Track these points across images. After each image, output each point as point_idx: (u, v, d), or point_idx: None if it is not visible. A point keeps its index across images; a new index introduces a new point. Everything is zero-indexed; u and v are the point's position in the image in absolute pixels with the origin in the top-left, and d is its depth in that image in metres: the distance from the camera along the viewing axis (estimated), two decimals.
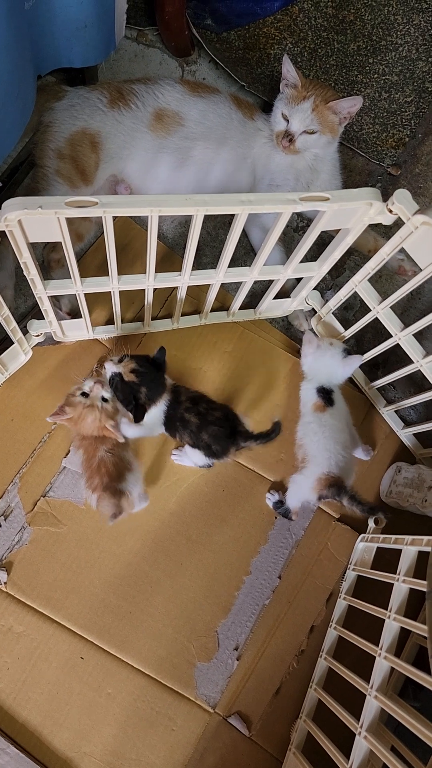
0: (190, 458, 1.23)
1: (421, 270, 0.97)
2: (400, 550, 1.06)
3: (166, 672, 1.17)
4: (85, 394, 1.08)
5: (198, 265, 1.42)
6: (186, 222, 1.00)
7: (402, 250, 0.98)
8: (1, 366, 1.20)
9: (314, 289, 1.30)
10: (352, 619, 1.18)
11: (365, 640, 1.04)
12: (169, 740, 1.14)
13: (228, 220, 0.93)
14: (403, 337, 1.11)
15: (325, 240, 1.18)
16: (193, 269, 1.08)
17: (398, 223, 0.95)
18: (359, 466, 1.30)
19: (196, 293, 1.32)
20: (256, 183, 1.42)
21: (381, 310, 1.13)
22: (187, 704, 1.16)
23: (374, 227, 1.08)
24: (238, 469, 1.29)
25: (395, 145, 1.55)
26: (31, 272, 0.95)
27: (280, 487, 1.28)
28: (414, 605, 1.03)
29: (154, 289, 1.14)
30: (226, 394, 1.33)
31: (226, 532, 1.26)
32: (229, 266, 1.10)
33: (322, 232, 1.01)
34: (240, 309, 1.33)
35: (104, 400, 1.08)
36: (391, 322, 1.13)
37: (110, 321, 1.28)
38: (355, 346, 1.42)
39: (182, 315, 1.30)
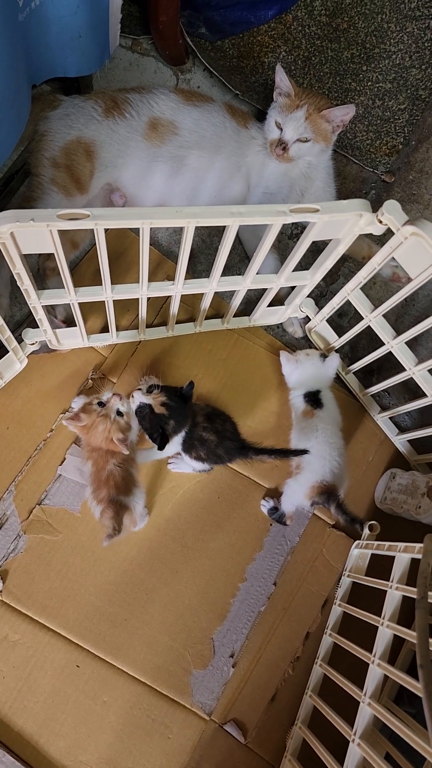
0: (188, 464, 1.24)
1: None
2: (394, 557, 1.06)
3: (161, 679, 1.17)
4: (101, 404, 1.09)
5: (193, 272, 1.43)
6: (180, 229, 1.00)
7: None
8: None
9: (308, 296, 1.30)
10: (348, 625, 1.19)
11: (362, 646, 1.04)
12: (165, 748, 1.14)
13: (222, 227, 0.94)
14: (395, 345, 1.12)
15: (319, 247, 1.18)
16: (187, 276, 1.09)
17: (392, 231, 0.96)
18: (354, 472, 1.31)
19: (191, 300, 1.32)
20: (251, 191, 1.43)
21: (373, 318, 1.14)
22: (182, 712, 1.16)
23: (368, 234, 1.08)
24: (234, 475, 1.30)
25: (389, 153, 1.56)
26: (25, 283, 0.95)
27: (275, 494, 1.29)
28: (408, 612, 1.03)
29: (149, 298, 1.15)
30: (222, 401, 1.33)
31: (222, 539, 1.26)
32: (223, 274, 1.11)
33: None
34: (235, 316, 1.34)
35: (119, 413, 1.09)
36: (383, 330, 1.13)
37: (105, 329, 1.28)
38: (350, 352, 1.43)
39: (177, 323, 1.31)
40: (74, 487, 1.23)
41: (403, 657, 1.15)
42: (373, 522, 1.24)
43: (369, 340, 1.35)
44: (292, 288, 1.30)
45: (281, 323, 1.43)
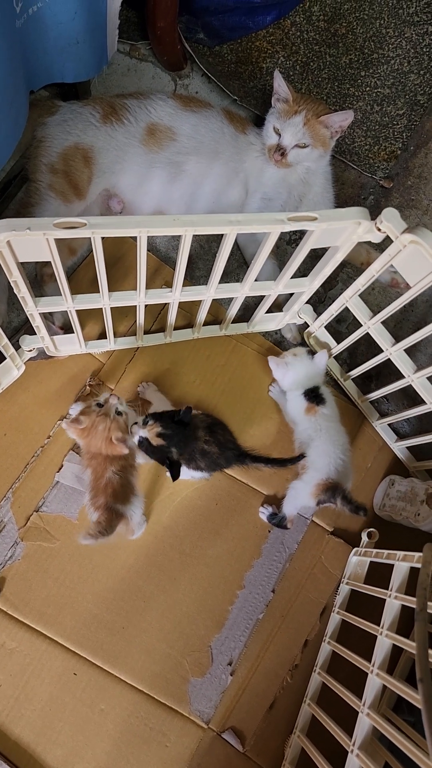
0: (188, 473, 1.23)
1: None
2: (393, 565, 1.06)
3: (159, 687, 1.17)
4: (100, 405, 1.10)
5: (191, 277, 1.43)
6: (178, 235, 1.00)
7: None
8: None
9: (306, 302, 1.30)
10: (347, 633, 1.18)
11: (360, 653, 1.04)
12: (162, 756, 1.13)
13: (220, 233, 0.94)
14: (394, 352, 1.11)
15: (318, 252, 1.17)
16: (185, 282, 1.08)
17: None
18: (353, 478, 1.30)
19: (189, 306, 1.32)
20: (249, 196, 1.42)
21: (372, 326, 1.13)
22: (180, 720, 1.16)
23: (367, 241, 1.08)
24: (232, 482, 1.29)
25: (387, 158, 1.56)
26: (22, 291, 0.95)
27: (274, 501, 1.28)
28: (407, 621, 1.02)
29: (146, 305, 1.15)
30: (220, 407, 1.33)
31: (220, 546, 1.26)
32: (221, 280, 1.10)
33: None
34: (233, 322, 1.34)
35: (118, 413, 1.09)
36: (382, 337, 1.13)
37: (103, 335, 1.28)
38: (348, 358, 1.43)
39: (175, 329, 1.31)
40: (72, 494, 1.23)
41: (402, 664, 1.14)
42: (372, 529, 1.24)
43: (368, 345, 1.34)
44: (291, 294, 1.29)
45: (280, 329, 1.42)
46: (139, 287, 1.04)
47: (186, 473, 1.24)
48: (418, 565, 0.98)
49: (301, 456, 1.19)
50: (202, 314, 1.25)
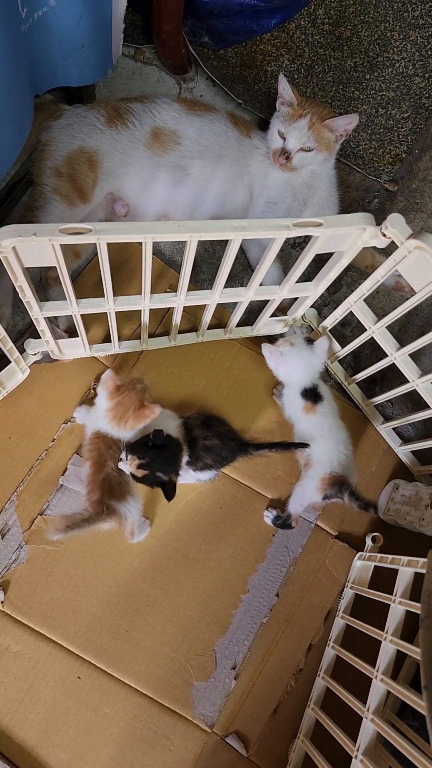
0: (193, 477, 1.23)
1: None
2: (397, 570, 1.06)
3: (163, 691, 1.17)
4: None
5: (195, 281, 1.43)
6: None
7: None
8: None
9: (311, 306, 1.30)
10: (351, 637, 1.18)
11: (364, 658, 1.03)
12: (166, 760, 1.13)
13: None
14: (398, 357, 1.11)
15: (323, 256, 1.17)
16: (190, 286, 1.08)
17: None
18: (357, 482, 1.30)
19: (193, 310, 1.32)
20: (253, 200, 1.42)
21: (377, 330, 1.13)
22: (184, 724, 1.16)
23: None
24: (236, 486, 1.29)
25: (392, 161, 1.56)
26: (27, 295, 0.95)
27: (278, 504, 1.28)
28: (412, 626, 1.02)
29: (151, 309, 1.15)
30: (224, 411, 1.33)
31: (224, 550, 1.26)
32: (226, 284, 1.10)
33: None
34: (237, 326, 1.34)
35: None
36: (386, 342, 1.13)
37: (107, 338, 1.28)
38: (353, 362, 1.42)
39: (179, 333, 1.31)
40: (76, 497, 1.23)
41: (406, 669, 1.14)
42: (376, 534, 1.24)
43: (372, 349, 1.34)
44: (295, 298, 1.29)
45: (284, 333, 1.42)
46: (144, 292, 1.04)
47: (192, 477, 1.24)
48: (423, 571, 0.97)
49: (306, 444, 1.19)
50: (207, 318, 1.25)
